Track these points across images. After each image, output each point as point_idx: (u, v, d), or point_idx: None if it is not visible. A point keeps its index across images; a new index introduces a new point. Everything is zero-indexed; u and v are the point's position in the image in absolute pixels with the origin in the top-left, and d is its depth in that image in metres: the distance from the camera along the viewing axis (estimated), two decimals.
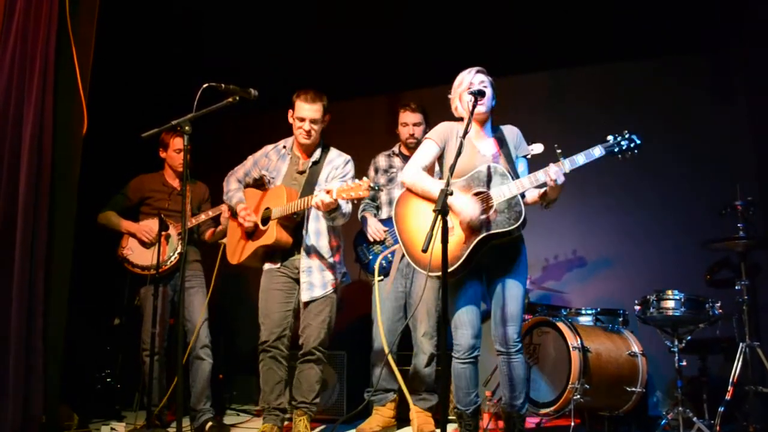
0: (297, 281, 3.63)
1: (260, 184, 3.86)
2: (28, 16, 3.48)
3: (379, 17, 4.95)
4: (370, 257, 4.15)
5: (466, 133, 2.86)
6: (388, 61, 5.26)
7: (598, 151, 2.92)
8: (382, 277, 4.10)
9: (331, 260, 3.64)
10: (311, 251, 3.60)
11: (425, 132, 4.19)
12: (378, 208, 4.28)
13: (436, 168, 3.33)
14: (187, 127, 3.10)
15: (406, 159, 4.22)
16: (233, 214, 3.82)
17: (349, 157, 3.76)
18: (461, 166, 3.01)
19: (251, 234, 3.72)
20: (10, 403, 3.18)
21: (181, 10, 4.93)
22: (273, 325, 3.60)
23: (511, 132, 3.22)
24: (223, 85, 3.21)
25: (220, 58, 5.18)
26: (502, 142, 3.16)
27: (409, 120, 4.19)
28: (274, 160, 3.79)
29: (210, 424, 3.93)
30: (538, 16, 4.84)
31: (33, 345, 3.28)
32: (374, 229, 4.14)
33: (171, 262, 4.05)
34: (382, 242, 4.13)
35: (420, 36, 5.06)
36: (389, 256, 4.06)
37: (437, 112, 4.26)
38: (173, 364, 3.99)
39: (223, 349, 4.73)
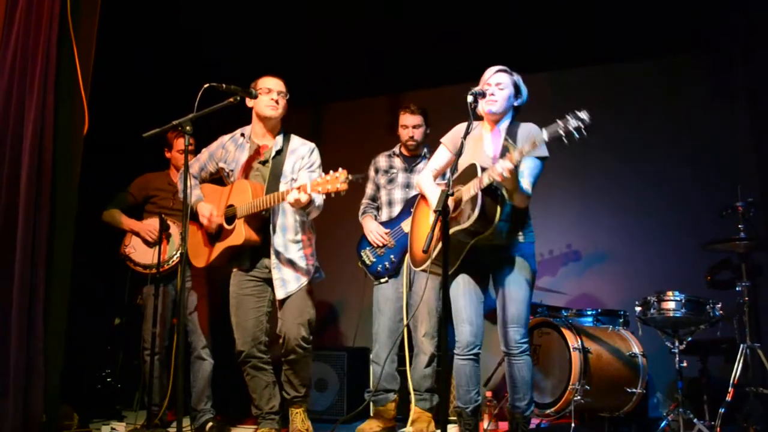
0: (267, 281, 3.51)
1: (217, 178, 3.70)
2: (30, 16, 3.48)
3: (380, 17, 4.95)
4: (374, 260, 4.14)
5: (467, 134, 2.87)
6: (390, 62, 5.26)
7: (540, 137, 2.70)
8: (386, 279, 4.09)
9: (301, 254, 3.50)
10: (280, 246, 3.46)
11: (425, 133, 4.21)
12: (378, 209, 4.28)
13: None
14: (188, 127, 3.12)
15: (406, 159, 4.22)
16: (191, 215, 3.61)
17: (313, 144, 3.61)
18: (467, 165, 3.04)
19: (216, 234, 3.57)
20: (11, 402, 3.17)
21: (183, 9, 4.94)
22: (246, 335, 3.48)
23: (524, 130, 3.12)
24: (224, 85, 3.23)
25: (221, 58, 5.18)
26: (510, 140, 3.11)
27: (408, 122, 4.19)
28: (231, 150, 3.62)
29: (210, 424, 3.93)
30: (539, 16, 4.84)
31: (33, 344, 3.27)
32: (375, 235, 4.13)
33: (173, 261, 4.05)
34: (384, 246, 4.12)
35: (421, 36, 5.05)
36: (392, 257, 4.06)
37: (439, 112, 4.29)
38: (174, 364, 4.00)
39: (224, 349, 4.72)
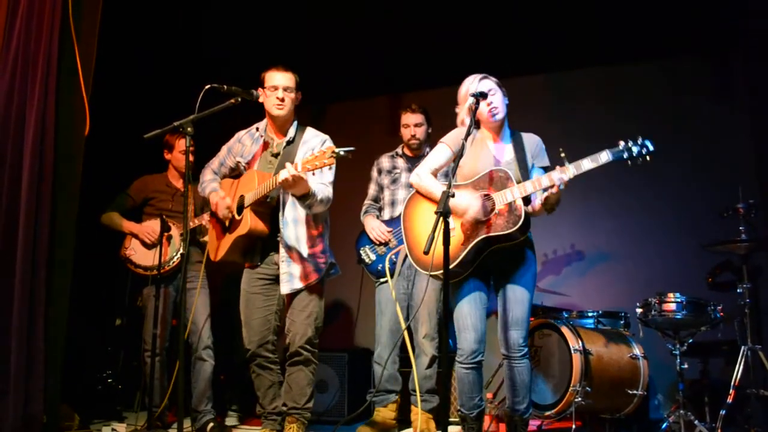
0: (277, 279, 3.41)
1: (237, 173, 3.66)
2: (31, 17, 3.48)
3: (380, 17, 4.95)
4: (374, 258, 4.14)
5: (467, 135, 2.87)
6: (390, 62, 5.26)
7: (605, 156, 2.84)
8: (386, 278, 4.09)
9: (312, 250, 3.39)
10: (290, 240, 3.36)
11: (427, 132, 4.22)
12: (380, 209, 4.28)
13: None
14: (189, 128, 3.11)
15: (409, 160, 4.23)
16: (210, 211, 3.63)
17: (326, 136, 3.51)
18: (473, 169, 3.06)
19: (228, 226, 3.51)
20: (11, 402, 3.17)
21: (184, 10, 4.94)
22: (253, 333, 3.44)
23: (530, 140, 3.17)
24: (225, 87, 3.22)
25: (222, 59, 5.18)
26: (518, 147, 3.12)
27: (410, 121, 4.20)
28: (248, 145, 3.58)
29: (211, 425, 3.93)
30: (540, 17, 4.84)
31: (34, 345, 3.27)
32: (378, 232, 4.13)
33: (173, 262, 4.05)
34: (386, 243, 4.12)
35: (422, 37, 5.05)
36: (393, 257, 4.05)
37: (439, 113, 4.28)
38: (174, 365, 3.99)
39: (225, 350, 4.72)
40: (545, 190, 2.90)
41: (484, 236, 2.94)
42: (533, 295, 3.08)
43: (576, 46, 4.95)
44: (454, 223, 2.99)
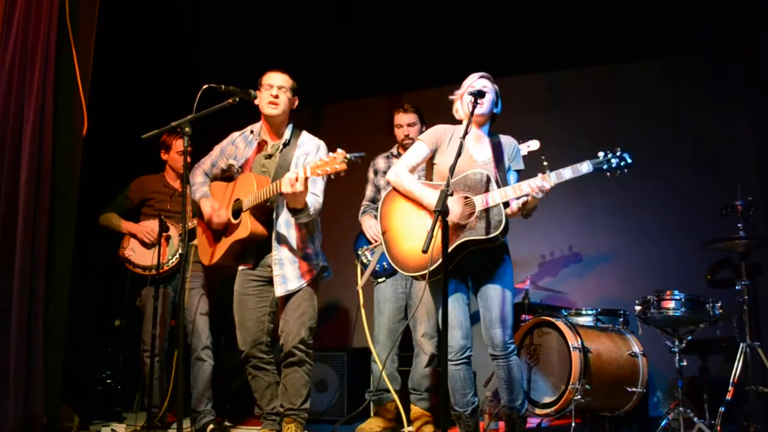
0: (270, 281, 3.39)
1: (229, 175, 3.62)
2: (29, 17, 3.49)
3: (379, 18, 4.95)
4: (371, 258, 4.14)
5: (466, 133, 2.87)
6: (387, 63, 5.27)
7: (585, 167, 2.91)
8: (383, 278, 4.09)
9: (304, 251, 3.39)
10: (282, 242, 3.35)
11: (421, 131, 4.21)
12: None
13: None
14: (187, 128, 3.12)
15: None
16: (198, 213, 3.59)
17: (321, 141, 3.49)
18: (470, 172, 3.05)
19: (223, 230, 3.48)
20: (11, 403, 3.19)
21: (182, 10, 4.94)
22: (246, 335, 3.42)
23: (508, 143, 3.21)
24: (223, 86, 3.22)
25: (220, 60, 5.19)
26: (497, 149, 3.15)
27: (402, 121, 4.21)
28: (241, 147, 3.54)
29: (211, 426, 3.93)
30: (538, 16, 4.84)
31: (34, 346, 3.28)
32: (375, 231, 4.14)
33: (172, 263, 4.06)
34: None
35: (418, 37, 5.06)
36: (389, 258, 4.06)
37: (436, 113, 4.26)
38: (173, 366, 4.00)
39: (224, 350, 4.73)
40: (526, 195, 2.93)
41: (464, 239, 2.95)
42: (513, 292, 3.11)
43: (575, 45, 4.95)
44: (429, 224, 2.99)
